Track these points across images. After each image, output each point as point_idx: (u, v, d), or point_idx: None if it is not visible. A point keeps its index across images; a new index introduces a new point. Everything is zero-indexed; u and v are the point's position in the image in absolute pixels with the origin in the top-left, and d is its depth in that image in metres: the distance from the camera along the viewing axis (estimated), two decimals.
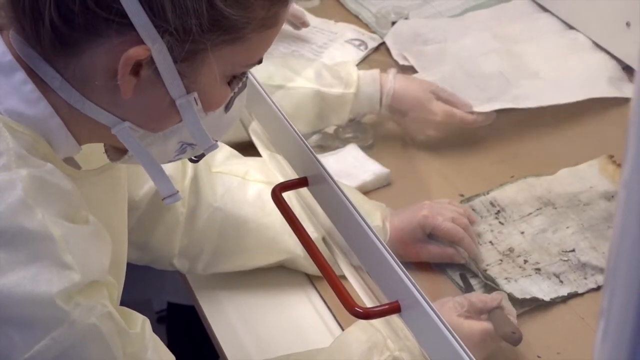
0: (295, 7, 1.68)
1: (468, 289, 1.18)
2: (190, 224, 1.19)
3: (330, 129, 1.43)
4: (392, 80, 1.41)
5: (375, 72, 1.42)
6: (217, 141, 0.92)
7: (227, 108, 0.91)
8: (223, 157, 1.23)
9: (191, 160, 0.97)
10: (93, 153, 0.96)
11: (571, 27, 1.63)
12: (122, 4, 0.79)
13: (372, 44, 1.66)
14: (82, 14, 0.80)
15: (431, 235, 1.21)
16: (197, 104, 0.87)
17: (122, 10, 0.79)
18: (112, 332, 0.82)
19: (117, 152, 0.93)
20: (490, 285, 1.17)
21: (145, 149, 0.89)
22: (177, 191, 0.93)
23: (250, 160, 1.26)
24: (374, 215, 1.20)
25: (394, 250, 1.18)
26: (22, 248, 0.78)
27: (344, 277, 1.13)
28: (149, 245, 1.19)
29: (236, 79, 0.89)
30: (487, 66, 1.56)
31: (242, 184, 1.21)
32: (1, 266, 0.77)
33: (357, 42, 1.67)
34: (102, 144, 0.96)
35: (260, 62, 0.89)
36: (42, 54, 0.84)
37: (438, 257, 1.21)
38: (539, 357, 1.10)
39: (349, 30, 1.70)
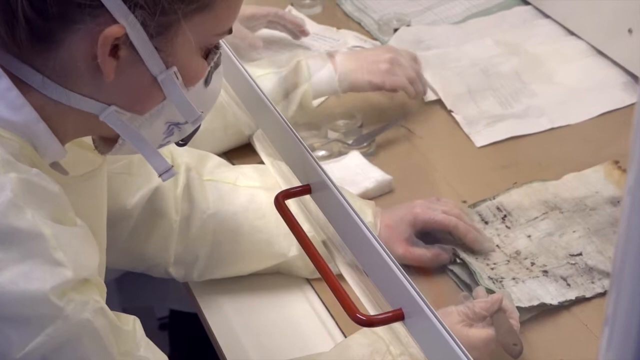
0: (295, 16, 1.68)
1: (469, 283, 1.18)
2: (185, 231, 1.20)
3: (333, 135, 1.44)
4: (341, 53, 1.46)
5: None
6: (202, 112, 0.94)
7: (207, 82, 0.92)
8: (213, 165, 1.25)
9: (178, 144, 0.98)
10: (75, 160, 0.96)
11: (572, 34, 1.63)
12: None
13: None
14: (54, 3, 0.81)
15: (425, 231, 1.21)
16: (178, 78, 0.88)
17: None
18: (105, 328, 0.83)
19: (106, 143, 0.94)
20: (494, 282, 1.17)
21: (135, 130, 0.90)
22: (172, 166, 0.94)
23: (240, 168, 1.27)
24: (366, 212, 1.21)
25: (384, 243, 1.19)
26: (14, 247, 0.79)
27: (340, 275, 1.13)
28: (144, 254, 1.20)
29: (211, 53, 0.92)
30: (501, 68, 1.57)
31: (233, 190, 1.22)
32: None
33: (359, 49, 1.67)
34: (85, 153, 0.97)
35: (230, 31, 0.91)
36: (20, 56, 0.85)
37: (424, 260, 1.20)
38: None
39: (351, 37, 1.70)
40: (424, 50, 1.64)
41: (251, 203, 1.21)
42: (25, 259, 0.78)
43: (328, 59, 1.44)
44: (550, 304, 1.15)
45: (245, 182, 1.23)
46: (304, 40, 1.67)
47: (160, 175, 0.94)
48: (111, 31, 0.82)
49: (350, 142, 1.42)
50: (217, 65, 0.94)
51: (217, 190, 1.21)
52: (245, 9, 1.60)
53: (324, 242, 1.18)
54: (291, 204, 1.14)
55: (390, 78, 1.44)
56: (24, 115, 0.85)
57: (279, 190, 1.12)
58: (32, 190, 0.81)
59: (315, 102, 1.47)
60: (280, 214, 1.07)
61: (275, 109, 1.17)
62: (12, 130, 0.84)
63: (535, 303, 1.14)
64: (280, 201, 1.07)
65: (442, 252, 1.21)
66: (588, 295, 1.16)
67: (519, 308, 1.12)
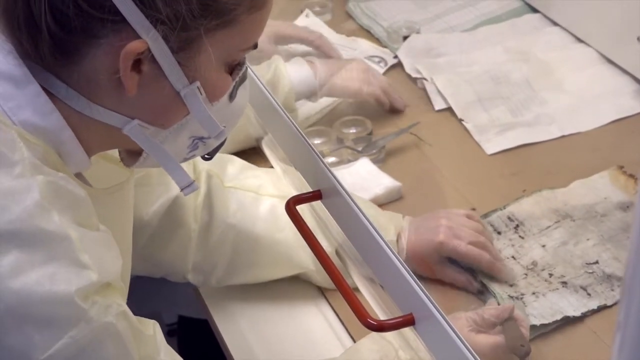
0: (331, 46, 1.63)
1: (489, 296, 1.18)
2: (204, 240, 1.20)
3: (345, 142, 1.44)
4: (319, 60, 1.49)
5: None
6: (225, 127, 0.93)
7: (232, 97, 0.92)
8: (236, 170, 1.24)
9: (204, 158, 0.98)
10: (102, 173, 0.97)
11: (582, 42, 1.63)
12: (113, 0, 0.81)
13: (391, 61, 1.66)
14: (76, 16, 0.82)
15: (449, 258, 1.20)
16: (201, 93, 0.88)
17: (114, 7, 0.81)
18: (127, 331, 0.83)
19: (131, 156, 0.94)
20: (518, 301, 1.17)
21: (158, 144, 0.91)
22: (193, 181, 0.94)
23: (264, 173, 1.26)
24: (388, 230, 1.20)
25: (411, 267, 1.19)
26: (41, 248, 0.79)
27: (356, 288, 1.13)
28: (161, 261, 1.20)
29: (236, 67, 0.91)
30: (512, 75, 1.58)
31: (255, 200, 1.21)
32: (20, 266, 0.78)
33: (377, 59, 1.67)
34: (110, 165, 0.98)
35: (255, 46, 0.91)
36: (44, 66, 0.85)
37: (452, 280, 1.21)
38: None
39: (368, 47, 1.70)
40: (434, 57, 1.65)
41: (271, 215, 1.20)
42: (51, 261, 0.79)
43: (305, 63, 1.47)
44: (573, 316, 1.14)
45: (269, 190, 1.23)
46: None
47: (182, 190, 0.94)
48: (133, 46, 0.82)
49: (360, 149, 1.43)
50: (242, 80, 0.93)
51: (238, 199, 1.21)
52: (284, 28, 1.60)
53: (336, 250, 1.18)
54: (305, 211, 1.14)
55: (367, 87, 1.48)
56: (51, 122, 0.85)
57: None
58: (58, 193, 0.82)
59: (319, 106, 1.48)
60: (292, 220, 1.07)
61: (286, 114, 1.17)
62: (39, 135, 0.84)
63: (559, 317, 1.14)
64: (291, 207, 1.08)
65: (473, 281, 1.20)
66: (609, 303, 1.16)
67: (542, 325, 1.13)
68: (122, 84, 0.84)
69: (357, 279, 1.14)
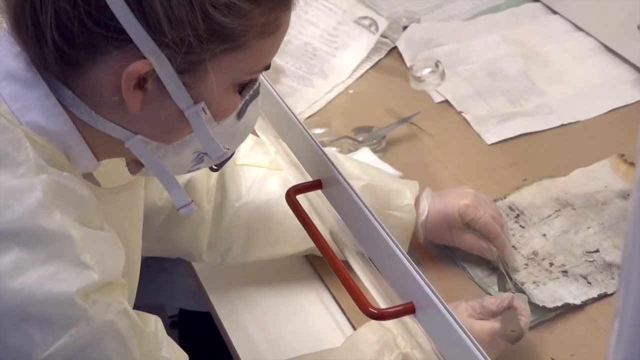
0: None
1: (501, 289, 1.18)
2: (218, 220, 1.20)
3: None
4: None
5: None
6: (228, 149, 0.92)
7: (240, 115, 0.91)
8: (247, 147, 1.24)
9: (212, 169, 0.98)
10: (112, 171, 0.97)
11: (582, 30, 1.63)
12: (119, 21, 0.80)
13: (382, 25, 1.64)
14: (81, 33, 0.81)
15: (468, 225, 1.21)
16: (205, 113, 0.87)
17: (119, 26, 0.80)
18: (128, 329, 0.83)
19: (137, 165, 0.94)
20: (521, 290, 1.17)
21: (158, 161, 0.90)
22: (191, 201, 0.94)
23: (274, 147, 1.26)
24: (404, 195, 1.21)
25: (428, 231, 1.18)
26: (42, 247, 0.79)
27: (355, 273, 1.13)
28: (176, 242, 1.20)
29: (248, 85, 0.90)
30: (510, 68, 1.58)
31: (267, 175, 1.22)
32: (21, 265, 0.78)
33: (367, 22, 1.65)
34: (121, 163, 0.97)
35: (267, 68, 0.90)
36: (52, 73, 0.85)
37: (470, 247, 1.21)
38: (552, 359, 1.10)
39: (358, 8, 1.68)
40: (433, 47, 1.65)
41: (283, 189, 1.18)
42: (52, 260, 0.79)
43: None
44: (574, 304, 1.15)
45: (280, 164, 1.22)
46: (312, 14, 1.63)
47: (178, 210, 0.94)
48: (136, 67, 0.81)
49: (360, 139, 1.43)
50: (254, 97, 0.92)
51: (250, 176, 1.21)
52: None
53: (332, 235, 1.18)
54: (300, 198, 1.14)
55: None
56: (59, 124, 0.85)
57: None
58: (61, 192, 0.81)
59: (325, 100, 1.48)
60: (292, 209, 1.08)
61: (286, 105, 1.17)
62: (46, 137, 0.84)
63: (559, 304, 1.14)
64: (291, 196, 1.08)
65: (489, 249, 1.20)
66: (610, 291, 1.16)
67: (543, 308, 1.13)
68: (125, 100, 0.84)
69: (355, 265, 1.14)
